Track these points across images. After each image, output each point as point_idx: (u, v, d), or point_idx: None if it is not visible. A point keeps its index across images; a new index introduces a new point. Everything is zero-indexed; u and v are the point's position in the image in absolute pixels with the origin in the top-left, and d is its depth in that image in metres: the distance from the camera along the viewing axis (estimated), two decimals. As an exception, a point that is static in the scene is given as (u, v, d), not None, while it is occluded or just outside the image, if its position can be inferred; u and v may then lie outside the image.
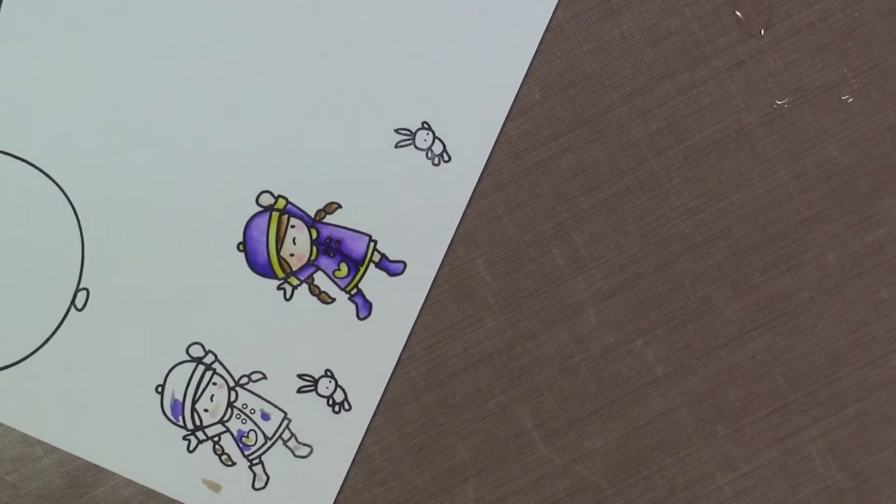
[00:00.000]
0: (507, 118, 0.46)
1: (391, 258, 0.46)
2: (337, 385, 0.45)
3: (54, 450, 0.45)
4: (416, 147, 0.46)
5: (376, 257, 0.46)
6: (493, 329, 0.46)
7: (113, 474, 0.45)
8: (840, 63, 0.47)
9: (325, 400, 0.45)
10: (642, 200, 0.46)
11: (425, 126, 0.46)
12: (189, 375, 0.45)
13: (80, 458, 0.45)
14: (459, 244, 0.46)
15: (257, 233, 0.45)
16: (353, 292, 0.45)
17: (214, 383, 0.45)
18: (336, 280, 0.45)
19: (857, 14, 0.47)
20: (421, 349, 0.46)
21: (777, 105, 0.47)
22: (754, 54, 0.46)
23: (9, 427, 0.45)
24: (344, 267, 0.45)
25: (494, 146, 0.46)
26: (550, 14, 0.46)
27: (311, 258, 0.46)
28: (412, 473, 0.46)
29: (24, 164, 0.45)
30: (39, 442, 0.45)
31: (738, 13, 0.47)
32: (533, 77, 0.46)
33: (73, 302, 0.45)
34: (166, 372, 0.45)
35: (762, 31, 0.47)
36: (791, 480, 0.47)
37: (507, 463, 0.46)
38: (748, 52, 0.46)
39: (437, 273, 0.46)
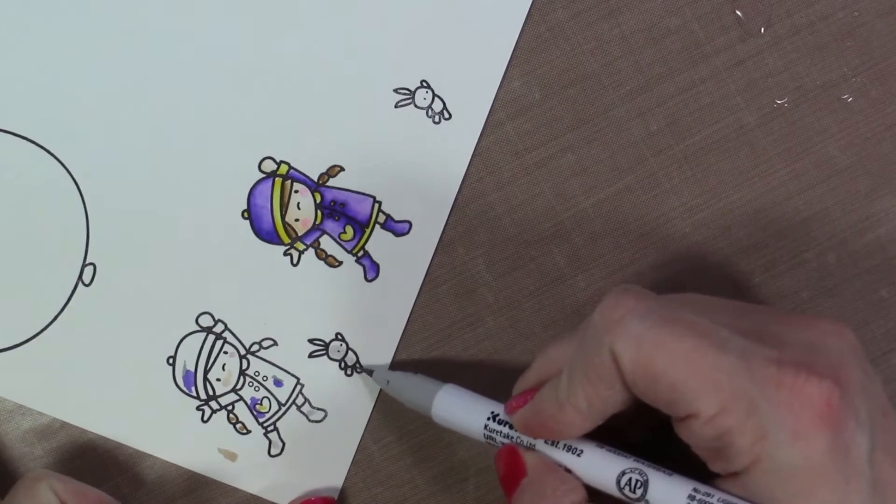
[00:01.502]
0: (508, 115, 0.46)
1: (396, 218, 0.46)
2: (348, 348, 0.45)
3: (54, 450, 0.45)
4: (415, 106, 0.46)
5: (381, 218, 0.45)
6: (493, 329, 0.46)
7: (126, 448, 0.45)
8: (840, 63, 0.47)
9: (337, 363, 0.46)
10: (642, 200, 0.46)
11: (424, 84, 0.46)
12: (200, 345, 0.45)
13: (79, 458, 0.45)
14: (459, 244, 0.46)
15: (261, 199, 0.45)
16: (359, 254, 0.45)
17: (226, 352, 0.45)
18: (342, 243, 0.45)
19: (857, 14, 0.47)
20: (421, 349, 0.46)
21: (777, 104, 0.47)
22: (754, 54, 0.46)
23: (8, 429, 0.45)
24: (349, 229, 0.45)
25: (494, 140, 0.46)
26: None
27: (317, 222, 0.45)
28: (412, 473, 0.46)
29: (24, 141, 0.45)
30: (39, 441, 0.45)
31: (737, 12, 0.47)
32: (533, 77, 0.46)
33: (80, 278, 0.45)
34: (177, 343, 0.45)
35: (762, 31, 0.47)
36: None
37: (506, 463, 0.46)
38: (748, 51, 0.46)
39: (437, 273, 0.46)
